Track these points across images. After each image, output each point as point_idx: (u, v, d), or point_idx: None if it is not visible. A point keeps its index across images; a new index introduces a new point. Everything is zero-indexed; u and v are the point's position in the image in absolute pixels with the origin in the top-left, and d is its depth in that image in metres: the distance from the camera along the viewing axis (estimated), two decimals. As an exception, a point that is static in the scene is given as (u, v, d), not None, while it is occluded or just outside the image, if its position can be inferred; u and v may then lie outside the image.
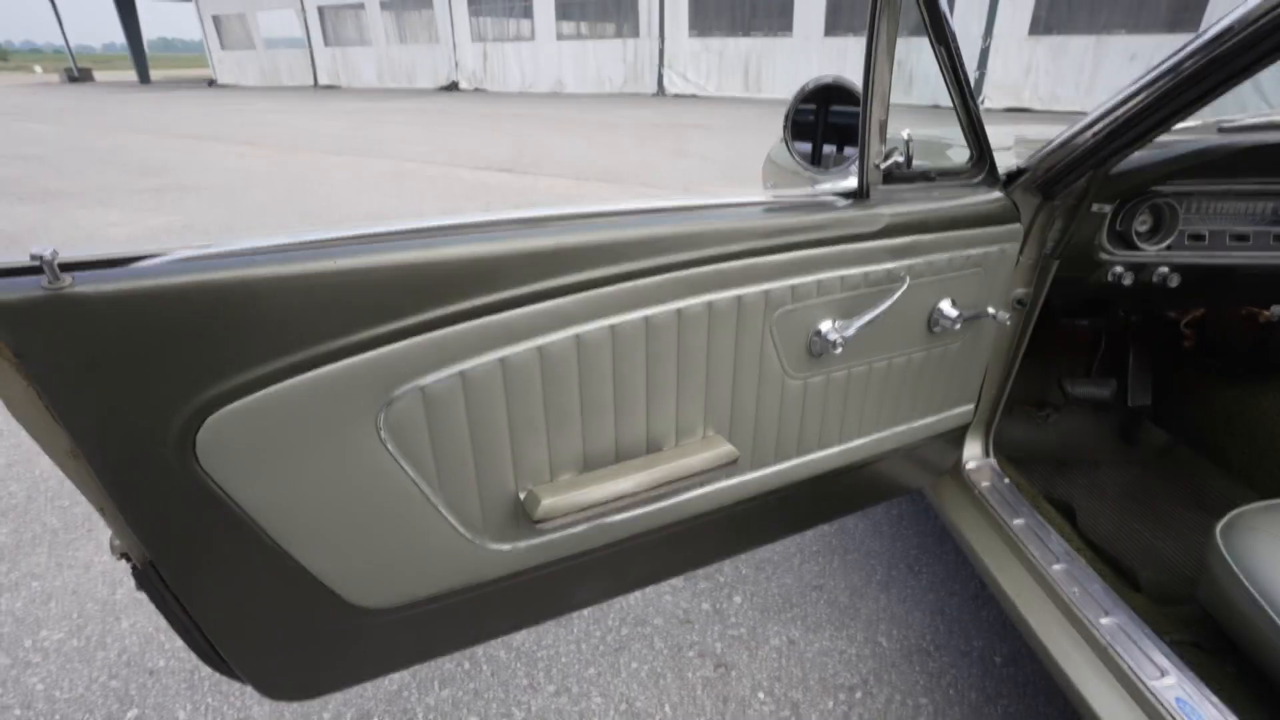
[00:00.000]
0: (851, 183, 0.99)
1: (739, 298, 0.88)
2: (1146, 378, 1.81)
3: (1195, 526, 1.49)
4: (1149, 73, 0.93)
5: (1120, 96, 0.97)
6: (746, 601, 1.65)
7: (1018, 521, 1.27)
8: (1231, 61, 0.82)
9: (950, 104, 1.02)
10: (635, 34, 14.88)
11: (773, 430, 1.03)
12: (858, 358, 1.06)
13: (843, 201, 0.99)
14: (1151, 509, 1.55)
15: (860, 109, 0.92)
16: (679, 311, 0.85)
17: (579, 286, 0.77)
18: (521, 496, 0.85)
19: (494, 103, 14.72)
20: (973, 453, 1.45)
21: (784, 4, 12.86)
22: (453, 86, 18.66)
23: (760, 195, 0.97)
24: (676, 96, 14.67)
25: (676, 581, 1.70)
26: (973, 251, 1.09)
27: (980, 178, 1.11)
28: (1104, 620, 1.05)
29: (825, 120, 0.99)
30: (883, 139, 0.96)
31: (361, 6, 19.17)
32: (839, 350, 0.97)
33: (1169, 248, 1.32)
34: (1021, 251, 1.22)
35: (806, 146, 1.04)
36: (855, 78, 0.94)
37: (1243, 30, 0.79)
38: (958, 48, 0.95)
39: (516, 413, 0.80)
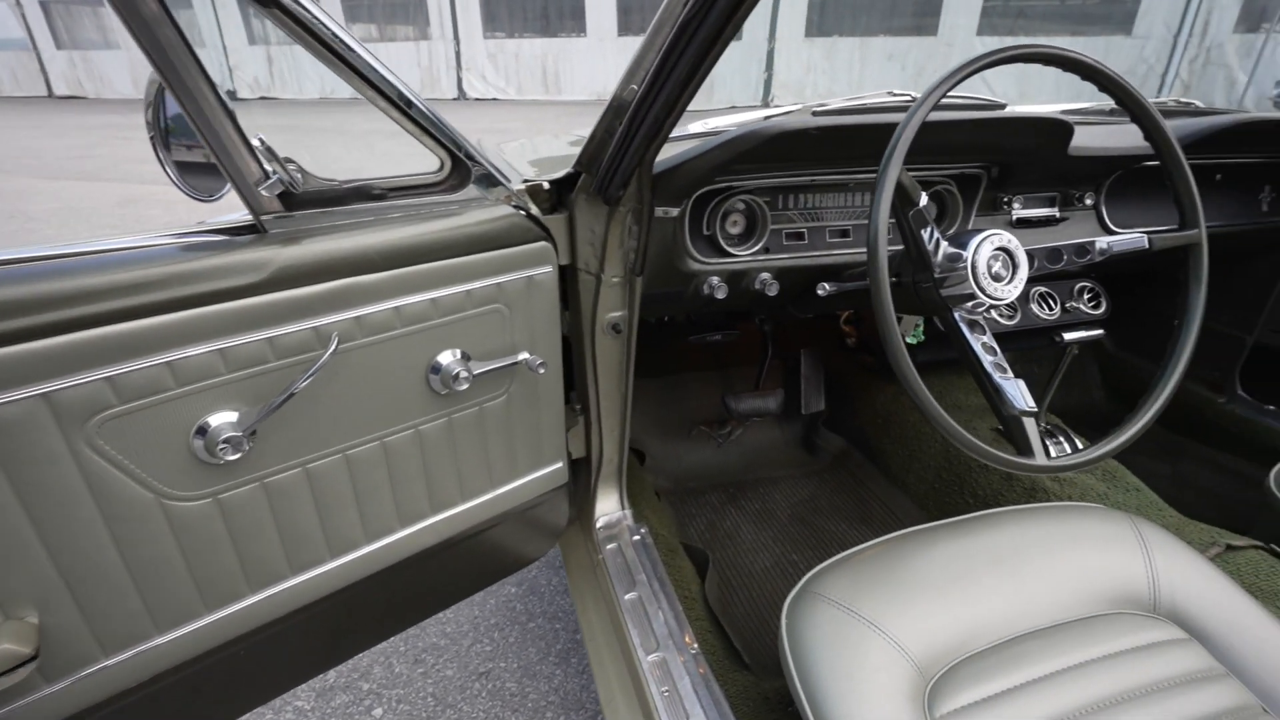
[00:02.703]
0: (246, 215, 0.71)
1: None
2: (818, 381, 1.75)
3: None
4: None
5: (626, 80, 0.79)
6: (389, 713, 1.35)
7: (629, 596, 1.07)
8: (691, 40, 0.66)
9: None
10: (426, 36, 14.08)
11: (173, 568, 0.72)
12: (309, 449, 0.78)
13: (240, 240, 0.70)
14: (812, 532, 1.46)
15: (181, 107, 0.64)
16: None
17: None
18: None
19: (276, 113, 13.28)
20: (606, 507, 1.25)
21: (575, 6, 12.76)
22: (230, 96, 16.65)
23: (101, 243, 0.65)
24: (477, 100, 14.09)
25: (316, 685, 1.36)
26: (477, 286, 0.85)
27: (467, 190, 0.87)
28: None
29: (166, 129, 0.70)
30: (252, 153, 0.68)
31: (101, 3, 16.49)
32: (240, 453, 0.68)
33: (765, 250, 1.18)
34: (602, 269, 1.02)
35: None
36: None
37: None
38: (324, 23, 0.69)
39: None
